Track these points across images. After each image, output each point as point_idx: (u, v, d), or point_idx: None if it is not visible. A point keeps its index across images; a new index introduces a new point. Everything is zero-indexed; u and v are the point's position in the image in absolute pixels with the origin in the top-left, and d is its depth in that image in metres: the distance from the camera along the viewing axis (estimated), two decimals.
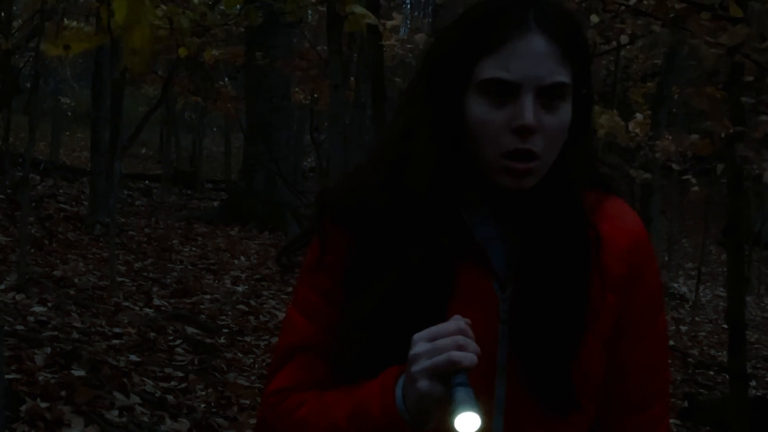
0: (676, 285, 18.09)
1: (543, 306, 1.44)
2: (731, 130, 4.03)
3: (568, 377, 1.44)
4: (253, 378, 6.59)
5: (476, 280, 1.45)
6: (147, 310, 8.20)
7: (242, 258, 12.45)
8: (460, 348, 1.30)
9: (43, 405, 4.83)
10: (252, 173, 15.79)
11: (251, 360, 7.24)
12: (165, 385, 5.93)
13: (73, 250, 10.57)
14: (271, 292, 10.31)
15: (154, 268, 10.56)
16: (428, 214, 1.44)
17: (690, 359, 10.46)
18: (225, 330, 8.06)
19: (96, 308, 7.71)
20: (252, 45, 15.15)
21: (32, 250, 9.43)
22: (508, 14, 1.41)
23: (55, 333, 6.49)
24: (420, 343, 1.32)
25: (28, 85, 15.04)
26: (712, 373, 9.91)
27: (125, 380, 5.55)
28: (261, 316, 8.91)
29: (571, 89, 1.43)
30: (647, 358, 1.54)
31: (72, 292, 8.17)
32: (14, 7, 13.77)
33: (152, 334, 7.20)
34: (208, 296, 9.42)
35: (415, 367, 1.31)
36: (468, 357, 1.29)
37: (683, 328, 12.91)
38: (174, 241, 12.92)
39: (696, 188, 9.98)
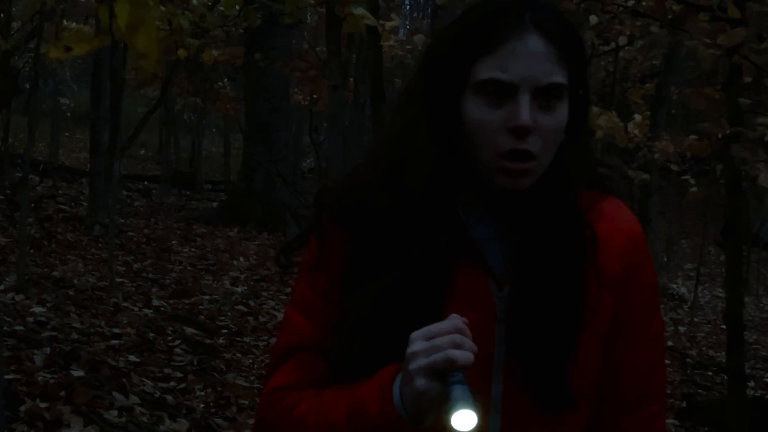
0: (674, 286, 18.09)
1: (540, 305, 1.45)
2: (728, 131, 4.03)
3: (565, 376, 1.45)
4: (252, 378, 6.60)
5: (473, 279, 1.46)
6: (146, 310, 8.21)
7: (241, 259, 12.46)
8: (457, 346, 1.31)
9: (43, 405, 4.84)
10: (251, 174, 15.80)
11: (250, 360, 7.25)
12: (164, 385, 5.93)
13: (72, 250, 10.58)
14: (270, 292, 10.31)
15: (153, 268, 10.57)
16: (426, 214, 1.45)
17: (688, 360, 10.46)
18: (224, 330, 8.07)
19: (95, 309, 7.72)
20: (251, 46, 15.15)
21: (31, 251, 9.44)
22: (505, 15, 1.42)
23: (55, 333, 6.50)
24: (417, 342, 1.33)
25: (28, 85, 15.05)
26: (710, 373, 9.92)
27: (124, 380, 5.55)
28: (260, 317, 8.92)
29: (568, 90, 1.44)
30: (643, 356, 1.55)
31: (71, 292, 8.17)
32: (13, 8, 13.76)
33: (151, 334, 7.21)
34: (207, 297, 9.43)
35: (413, 366, 1.32)
36: (465, 355, 1.30)
37: (682, 329, 12.92)
38: (173, 242, 12.93)
39: (694, 189, 9.99)
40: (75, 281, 8.69)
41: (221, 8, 7.59)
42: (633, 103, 13.62)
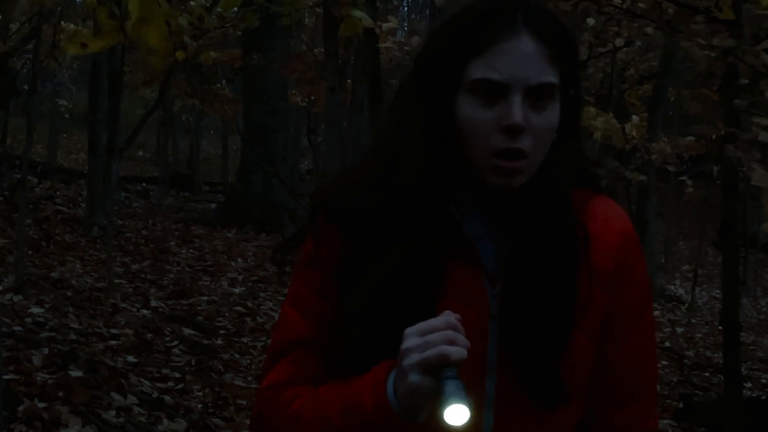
0: (672, 287, 18.11)
1: (532, 302, 1.46)
2: (722, 132, 4.05)
3: (557, 372, 1.46)
4: (250, 379, 6.61)
5: (467, 276, 1.48)
6: (144, 311, 8.22)
7: (239, 260, 12.47)
8: (450, 342, 1.33)
9: (41, 405, 4.85)
10: (249, 175, 15.81)
11: (248, 361, 7.26)
12: (162, 385, 5.95)
13: (70, 251, 10.59)
14: (268, 293, 10.33)
15: (151, 269, 10.58)
16: (419, 212, 1.47)
17: (686, 361, 10.47)
18: (222, 331, 8.08)
19: (93, 309, 7.73)
20: (249, 47, 15.17)
21: (30, 252, 9.45)
22: (498, 16, 1.44)
23: (53, 334, 6.51)
24: (411, 338, 1.35)
25: (26, 87, 15.06)
26: (707, 374, 9.93)
27: (122, 381, 5.57)
28: (258, 318, 8.93)
29: (559, 90, 1.46)
30: (635, 353, 1.57)
31: (69, 293, 8.19)
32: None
33: (149, 335, 7.23)
34: (205, 298, 9.44)
35: (406, 361, 1.34)
36: (458, 351, 1.32)
37: (679, 330, 12.93)
38: (171, 243, 12.95)
39: (690, 190, 10.01)
40: (73, 282, 8.70)
41: (219, 9, 7.60)
42: (630, 105, 13.63)
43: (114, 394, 5.31)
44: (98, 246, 11.14)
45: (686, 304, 15.37)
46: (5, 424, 4.51)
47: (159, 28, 2.87)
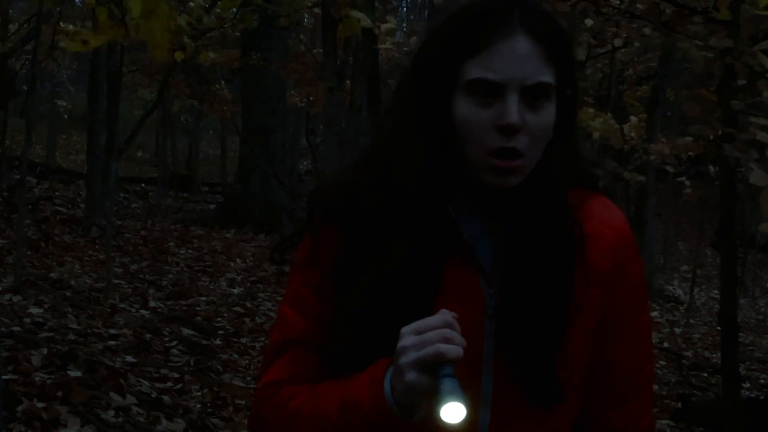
0: (671, 287, 18.12)
1: (529, 301, 1.47)
2: (719, 132, 4.06)
3: (553, 370, 1.47)
4: (248, 379, 6.61)
5: (464, 276, 1.49)
6: (143, 311, 8.23)
7: (238, 260, 12.48)
8: (447, 341, 1.33)
9: (40, 405, 4.86)
10: (248, 176, 15.81)
11: (247, 361, 7.26)
12: (161, 385, 5.95)
13: (69, 252, 10.60)
14: (267, 294, 10.33)
15: (150, 270, 10.59)
16: (416, 212, 1.48)
17: (684, 361, 10.48)
18: (221, 332, 8.08)
19: (92, 310, 7.74)
20: (248, 48, 15.18)
21: (29, 253, 9.46)
22: (494, 16, 1.45)
23: (52, 334, 6.52)
24: (408, 336, 1.36)
25: (25, 87, 15.07)
26: (706, 374, 9.94)
27: (121, 381, 5.57)
28: (257, 318, 8.94)
29: (555, 89, 1.47)
30: (631, 352, 1.58)
31: (68, 293, 8.20)
32: (10, 10, 13.78)
33: (148, 335, 7.23)
34: (204, 298, 9.45)
35: (403, 359, 1.35)
36: (454, 349, 1.33)
37: (678, 330, 12.94)
38: (170, 244, 12.95)
39: (689, 190, 10.01)
40: (72, 282, 8.71)
41: (218, 10, 7.61)
42: (629, 105, 13.64)
43: (113, 394, 5.31)
44: (97, 246, 11.14)
45: (685, 305, 15.38)
46: (4, 424, 4.52)
47: (161, 22, 2.88)
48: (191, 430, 5.26)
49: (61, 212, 13.47)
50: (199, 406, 5.76)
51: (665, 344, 11.29)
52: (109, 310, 7.86)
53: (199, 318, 8.41)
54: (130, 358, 6.40)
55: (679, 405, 7.86)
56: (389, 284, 1.46)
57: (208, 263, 11.84)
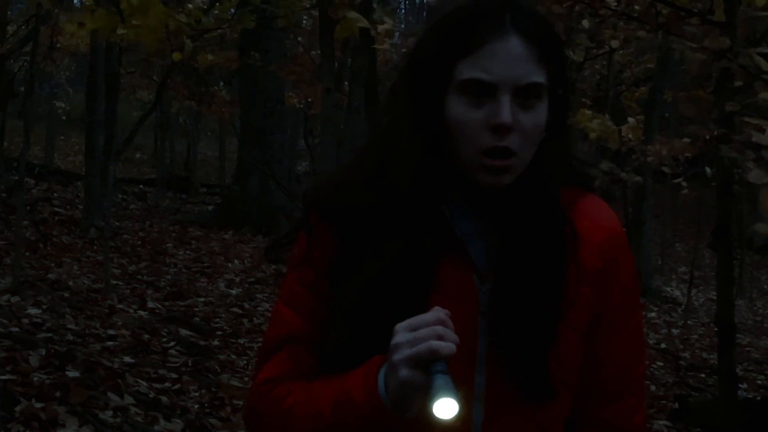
0: (668, 288, 18.12)
1: (521, 299, 1.49)
2: (715, 133, 4.08)
3: (546, 366, 1.49)
4: (246, 379, 6.62)
5: (457, 274, 1.51)
6: (141, 312, 8.23)
7: (236, 261, 12.49)
8: (440, 338, 1.35)
9: (38, 405, 4.87)
10: (246, 177, 15.82)
11: (245, 362, 7.27)
12: (159, 386, 5.96)
13: (67, 253, 10.60)
14: (265, 295, 10.34)
15: (148, 271, 10.60)
16: (410, 210, 1.49)
17: (682, 362, 10.49)
18: (219, 332, 8.09)
19: (90, 311, 7.75)
20: (246, 49, 15.19)
21: (27, 253, 9.47)
22: (486, 17, 1.46)
23: (50, 335, 6.53)
24: (401, 333, 1.37)
25: (23, 89, 15.08)
26: (703, 375, 9.94)
27: (119, 381, 5.58)
28: (254, 319, 8.94)
29: (547, 89, 1.48)
30: (623, 350, 1.59)
31: (66, 294, 8.20)
32: (8, 12, 13.79)
33: (146, 336, 7.24)
34: (202, 299, 9.45)
35: (397, 356, 1.36)
36: (447, 346, 1.34)
37: (675, 332, 12.95)
38: (168, 245, 12.96)
39: (686, 191, 10.02)
40: (70, 283, 8.72)
41: (216, 12, 7.63)
42: (627, 107, 13.67)
43: (111, 395, 5.32)
44: (95, 247, 11.15)
45: (682, 306, 15.39)
46: (3, 424, 4.53)
47: (156, 12, 2.92)
48: (189, 430, 5.27)
49: (60, 213, 13.48)
50: (196, 406, 5.77)
51: (663, 345, 11.30)
52: (107, 310, 7.87)
53: (197, 319, 8.42)
54: (128, 359, 6.41)
55: (677, 405, 7.87)
56: (383, 282, 1.48)
57: (206, 264, 11.84)
